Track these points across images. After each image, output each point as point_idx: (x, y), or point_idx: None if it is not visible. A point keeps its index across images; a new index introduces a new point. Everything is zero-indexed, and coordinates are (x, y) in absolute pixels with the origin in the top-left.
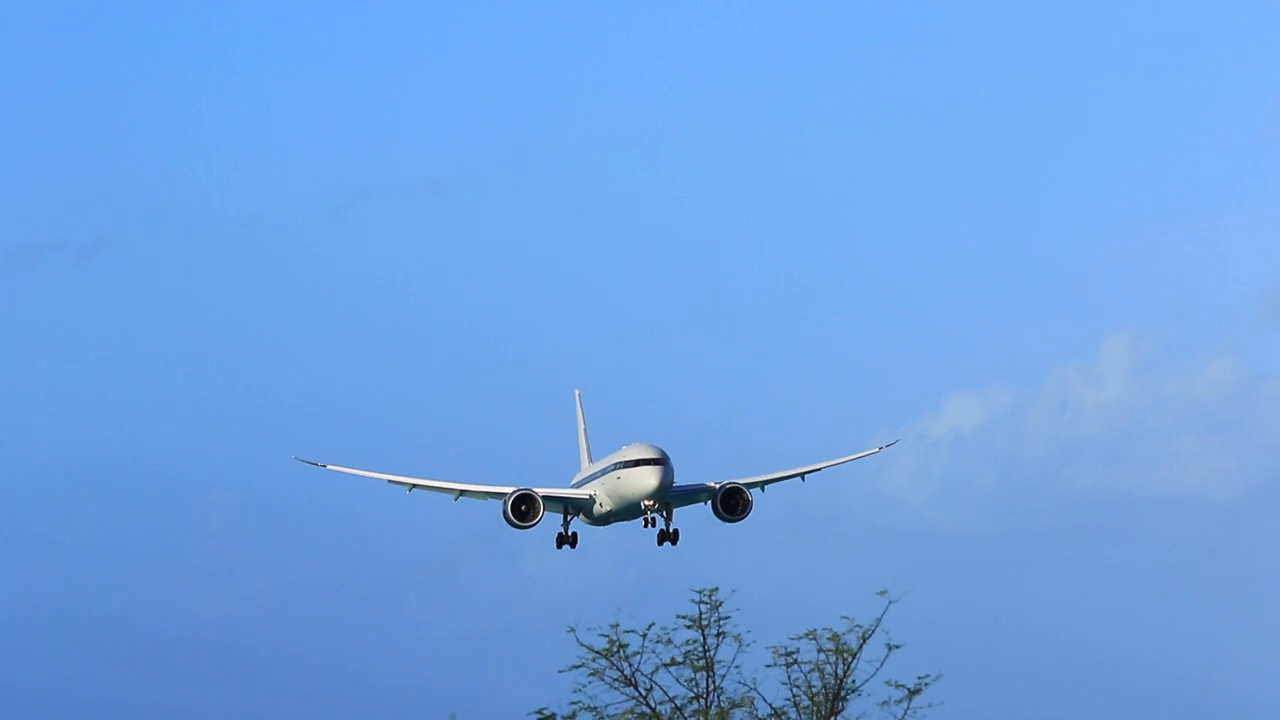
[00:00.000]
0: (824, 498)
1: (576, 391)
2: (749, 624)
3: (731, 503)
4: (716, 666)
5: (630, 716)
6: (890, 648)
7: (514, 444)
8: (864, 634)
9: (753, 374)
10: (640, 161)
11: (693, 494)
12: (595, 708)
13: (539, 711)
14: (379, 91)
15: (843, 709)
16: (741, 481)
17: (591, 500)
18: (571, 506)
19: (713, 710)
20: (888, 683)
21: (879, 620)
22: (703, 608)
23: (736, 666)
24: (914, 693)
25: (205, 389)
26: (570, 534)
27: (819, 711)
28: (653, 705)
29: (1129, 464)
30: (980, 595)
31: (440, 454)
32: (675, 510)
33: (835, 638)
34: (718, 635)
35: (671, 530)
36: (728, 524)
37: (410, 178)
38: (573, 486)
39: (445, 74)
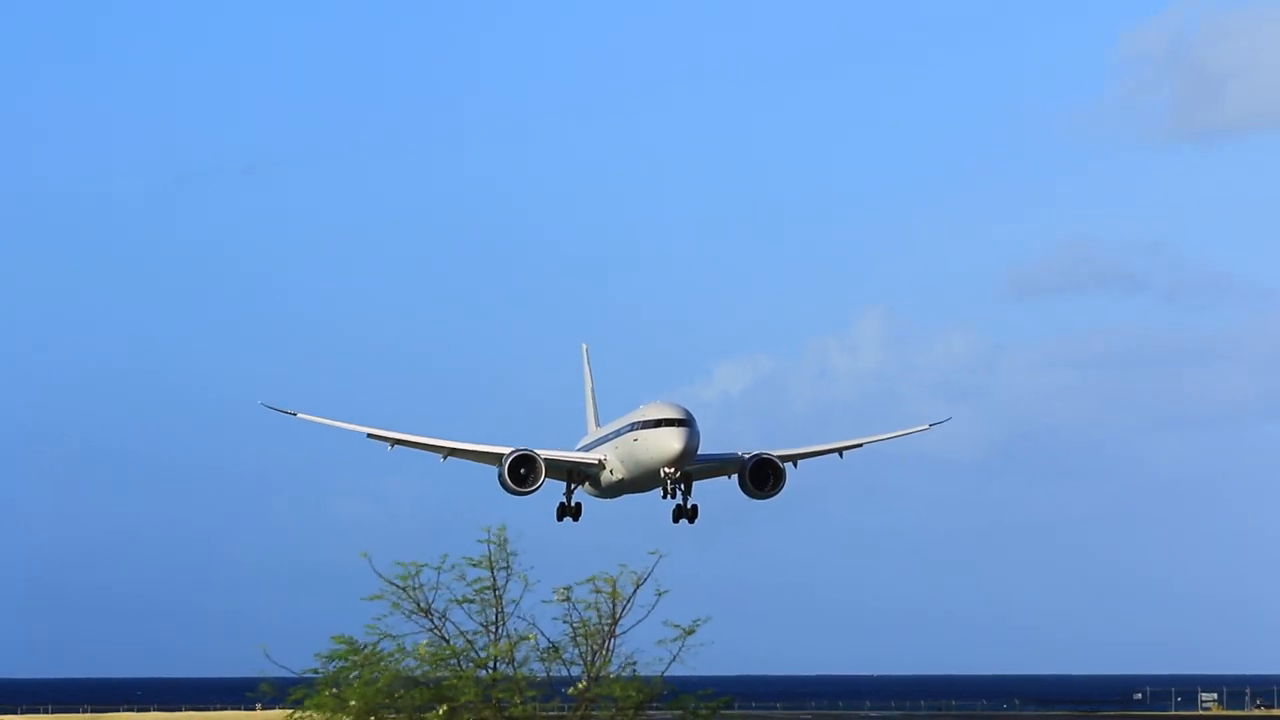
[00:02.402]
0: None
1: (583, 346)
2: (535, 568)
3: (762, 476)
4: (505, 603)
5: (427, 648)
6: (659, 593)
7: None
8: (637, 580)
9: (540, 344)
10: (440, 146)
11: (718, 464)
12: (394, 636)
13: (338, 638)
14: (196, 78)
15: (615, 647)
16: (775, 454)
17: (601, 465)
18: (577, 472)
19: (501, 642)
20: (664, 622)
21: (650, 570)
22: (491, 546)
23: (519, 607)
24: (688, 632)
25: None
26: (574, 505)
27: (593, 646)
28: (447, 636)
29: (881, 425)
30: (745, 545)
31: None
32: (694, 483)
33: (610, 581)
34: (506, 571)
35: (690, 506)
36: (755, 500)
37: (226, 161)
38: (578, 451)
39: (260, 63)
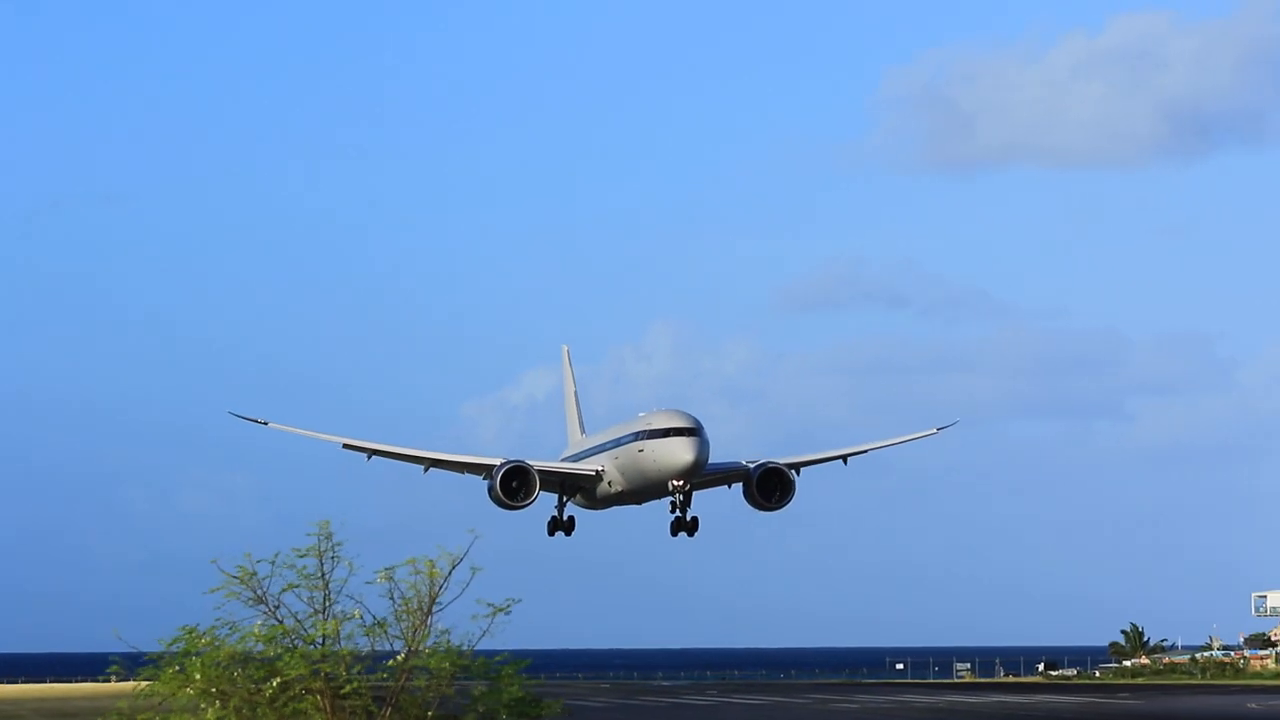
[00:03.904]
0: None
1: (564, 348)
2: (361, 552)
3: (769, 486)
4: (331, 586)
5: (261, 629)
6: (474, 570)
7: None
8: (453, 561)
9: (369, 353)
10: (275, 179)
11: (721, 474)
12: (232, 622)
13: (182, 627)
14: (57, 113)
15: (433, 621)
16: (781, 461)
17: (598, 477)
18: (571, 485)
19: (329, 620)
20: (478, 601)
21: (466, 551)
22: (319, 538)
23: (348, 588)
24: (499, 610)
25: None
26: (566, 518)
27: (414, 621)
28: (280, 619)
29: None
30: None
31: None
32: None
33: (430, 563)
34: (332, 559)
35: (690, 518)
36: (761, 511)
37: (87, 190)
38: (565, 461)
39: (115, 97)
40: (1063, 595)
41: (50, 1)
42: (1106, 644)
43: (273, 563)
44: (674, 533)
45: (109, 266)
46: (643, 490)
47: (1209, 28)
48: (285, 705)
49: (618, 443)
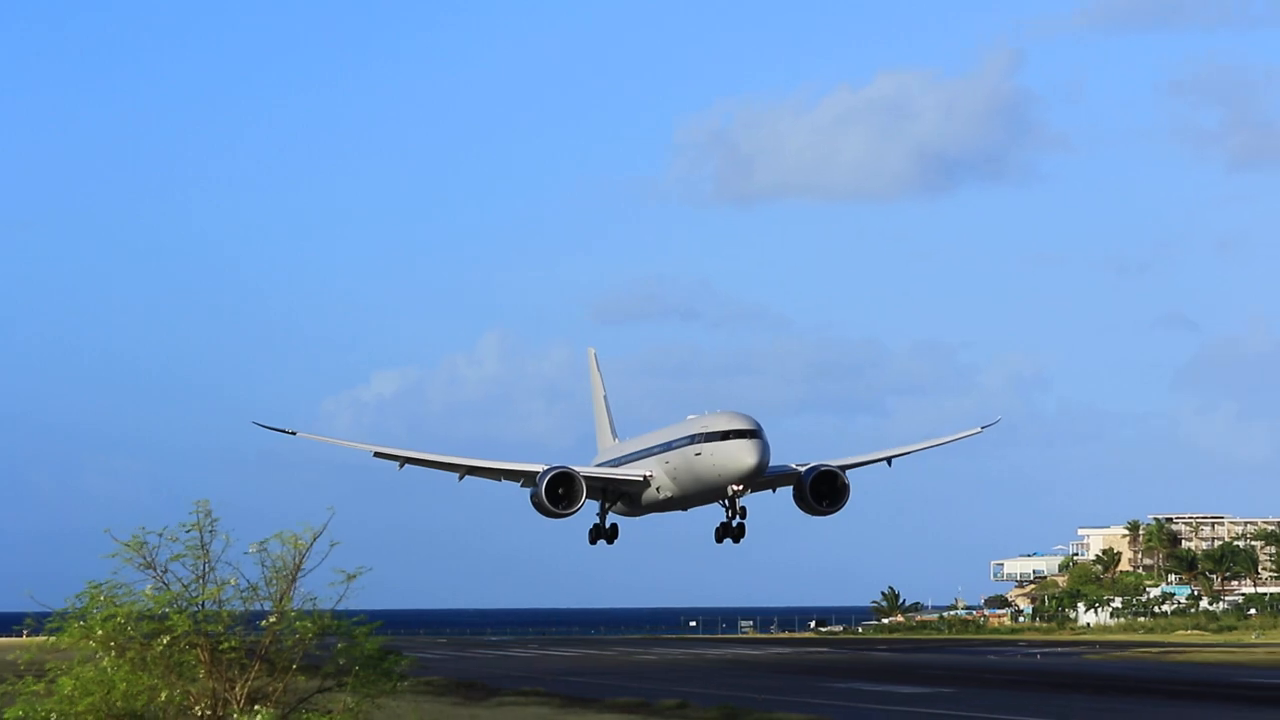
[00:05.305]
0: (296, 442)
1: (591, 351)
2: (238, 527)
3: (821, 489)
4: (212, 556)
5: (152, 591)
6: (333, 544)
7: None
8: (314, 534)
9: (241, 356)
10: (166, 206)
11: (773, 478)
12: (126, 584)
13: (89, 582)
14: None
15: (298, 586)
16: (833, 464)
17: (646, 483)
18: (615, 491)
19: (209, 585)
20: (333, 570)
21: (325, 525)
22: (200, 514)
23: (227, 557)
24: (351, 577)
25: None
26: (609, 525)
27: (281, 586)
28: (167, 583)
29: (498, 419)
30: (400, 507)
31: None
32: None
33: (293, 536)
34: (211, 533)
35: (736, 524)
36: (813, 515)
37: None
38: (601, 467)
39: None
40: (831, 563)
41: None
42: (868, 604)
43: (160, 534)
44: (719, 538)
45: (17, 286)
46: (693, 496)
47: (955, 84)
48: (173, 657)
49: (668, 446)
